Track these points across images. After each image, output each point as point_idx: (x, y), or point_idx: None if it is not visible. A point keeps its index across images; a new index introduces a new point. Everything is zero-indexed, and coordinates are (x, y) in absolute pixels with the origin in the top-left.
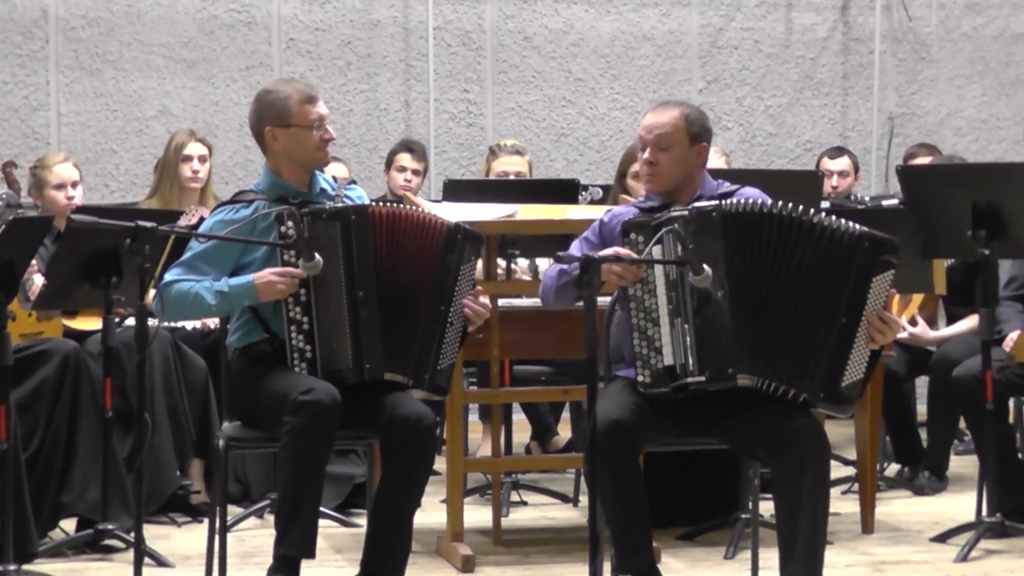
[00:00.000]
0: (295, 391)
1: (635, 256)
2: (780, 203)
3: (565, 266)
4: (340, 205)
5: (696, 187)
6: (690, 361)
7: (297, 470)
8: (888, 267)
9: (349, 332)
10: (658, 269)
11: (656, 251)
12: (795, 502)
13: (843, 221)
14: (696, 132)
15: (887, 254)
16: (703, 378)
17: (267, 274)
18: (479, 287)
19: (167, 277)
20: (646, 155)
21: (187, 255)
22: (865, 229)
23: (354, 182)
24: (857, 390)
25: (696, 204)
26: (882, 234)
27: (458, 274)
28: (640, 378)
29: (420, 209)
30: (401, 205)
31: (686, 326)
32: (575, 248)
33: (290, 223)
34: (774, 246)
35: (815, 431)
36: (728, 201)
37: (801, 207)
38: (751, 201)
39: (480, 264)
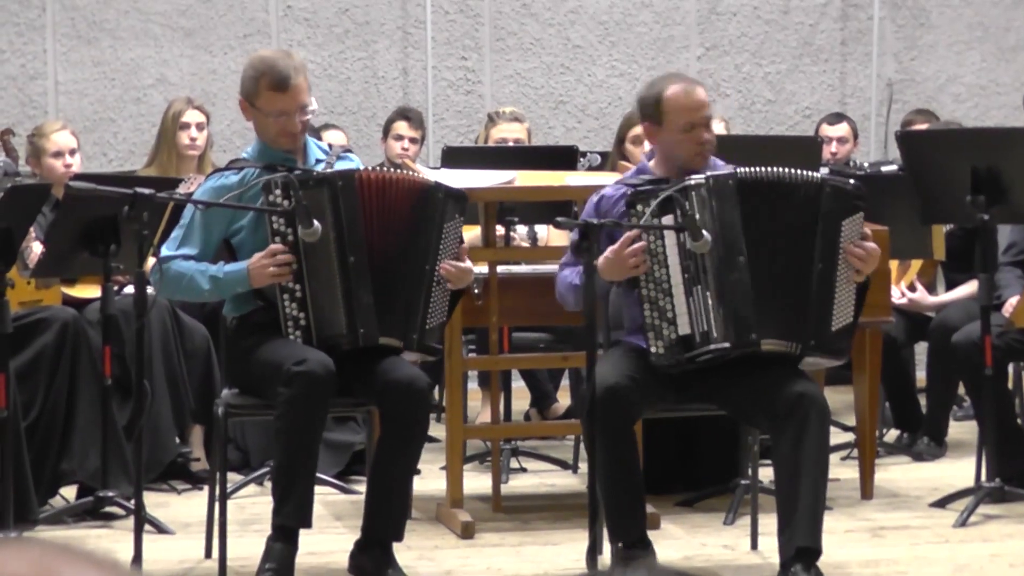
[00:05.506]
0: (288, 361)
1: (640, 238)
2: (784, 168)
3: (576, 281)
4: (327, 171)
5: None
6: (713, 328)
7: (292, 441)
8: (856, 210)
9: (342, 298)
10: (669, 239)
11: (664, 221)
12: (796, 467)
13: (808, 172)
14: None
15: (852, 199)
16: (727, 344)
17: (259, 259)
18: (464, 247)
19: (164, 252)
20: (699, 136)
21: (179, 228)
22: (828, 175)
23: (350, 151)
24: (848, 336)
25: (712, 172)
26: (844, 180)
27: (441, 232)
28: (653, 349)
29: (405, 172)
30: (393, 170)
31: (707, 293)
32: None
33: (277, 192)
34: (780, 209)
35: (815, 396)
36: (743, 168)
37: (796, 169)
38: (764, 168)
39: (477, 230)
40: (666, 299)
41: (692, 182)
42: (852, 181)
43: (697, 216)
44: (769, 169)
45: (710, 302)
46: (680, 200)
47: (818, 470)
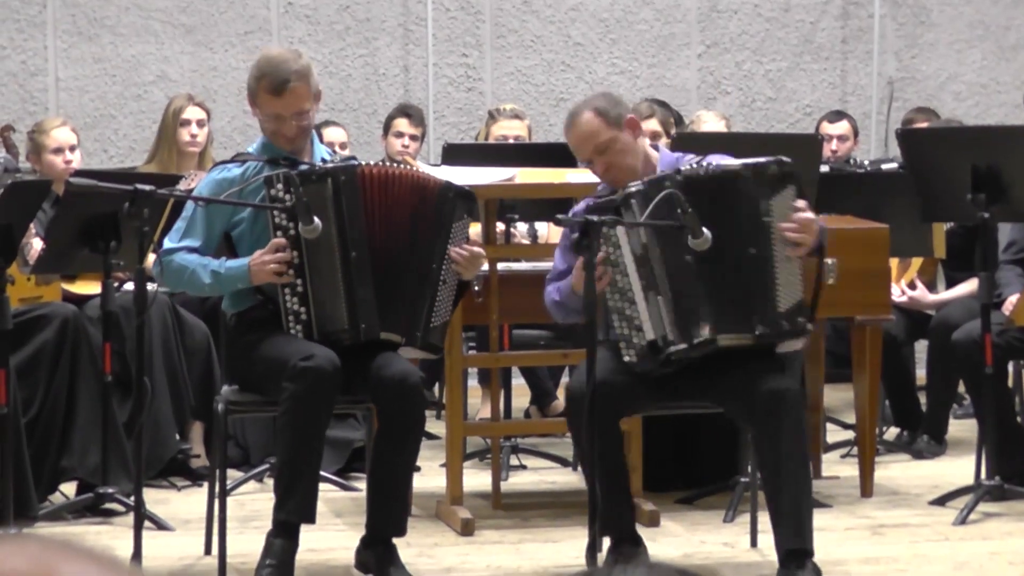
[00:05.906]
0: (295, 357)
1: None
2: (704, 162)
3: (556, 297)
4: (329, 166)
5: (654, 163)
6: (668, 332)
7: (297, 436)
8: (782, 186)
9: (343, 293)
10: (625, 248)
11: (619, 231)
12: (775, 468)
13: (727, 160)
14: (615, 116)
15: (777, 178)
16: (685, 345)
17: (260, 256)
18: (474, 239)
19: (167, 244)
20: (598, 169)
21: (182, 220)
22: (748, 160)
23: (353, 158)
24: (801, 313)
25: (649, 177)
26: (764, 158)
27: (450, 232)
28: (627, 358)
29: (410, 168)
30: (395, 165)
31: (659, 298)
32: (558, 258)
33: (279, 186)
34: (713, 204)
35: (785, 392)
36: (679, 168)
37: (715, 162)
38: (700, 165)
39: (478, 227)
40: (632, 307)
41: (632, 189)
42: (776, 158)
43: (691, 211)
44: (692, 166)
45: (662, 306)
46: (679, 197)
47: (797, 469)
